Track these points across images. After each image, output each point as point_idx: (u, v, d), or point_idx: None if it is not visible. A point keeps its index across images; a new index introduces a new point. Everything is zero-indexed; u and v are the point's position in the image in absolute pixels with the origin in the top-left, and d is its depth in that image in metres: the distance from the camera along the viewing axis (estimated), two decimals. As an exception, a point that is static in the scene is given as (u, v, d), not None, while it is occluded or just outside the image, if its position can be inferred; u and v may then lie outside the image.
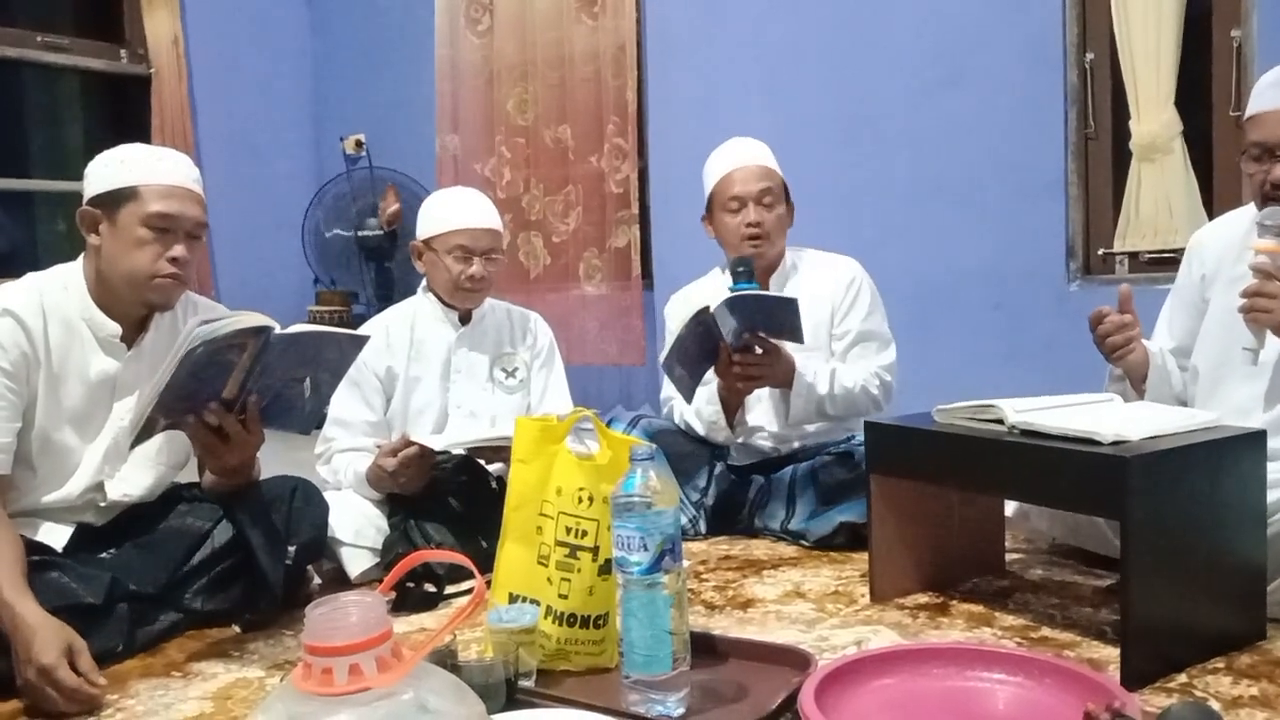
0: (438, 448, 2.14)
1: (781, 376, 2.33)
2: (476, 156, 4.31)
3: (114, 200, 1.75)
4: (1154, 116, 2.99)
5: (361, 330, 2.36)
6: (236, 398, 1.68)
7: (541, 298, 4.11)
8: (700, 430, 2.47)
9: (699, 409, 2.45)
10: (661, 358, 2.22)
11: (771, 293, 2.36)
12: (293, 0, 4.96)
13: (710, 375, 2.35)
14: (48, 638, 1.51)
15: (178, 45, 4.42)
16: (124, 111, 4.48)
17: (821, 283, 2.46)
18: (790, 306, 2.19)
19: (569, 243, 4.17)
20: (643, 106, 3.99)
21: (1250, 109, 1.82)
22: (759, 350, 2.29)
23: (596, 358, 4.09)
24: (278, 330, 1.63)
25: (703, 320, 2.18)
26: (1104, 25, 3.08)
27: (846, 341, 2.44)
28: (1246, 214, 1.91)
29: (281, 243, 4.74)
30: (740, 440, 2.47)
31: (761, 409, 2.46)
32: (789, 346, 2.30)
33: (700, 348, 2.25)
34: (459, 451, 2.21)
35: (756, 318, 2.23)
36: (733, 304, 2.17)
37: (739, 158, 2.45)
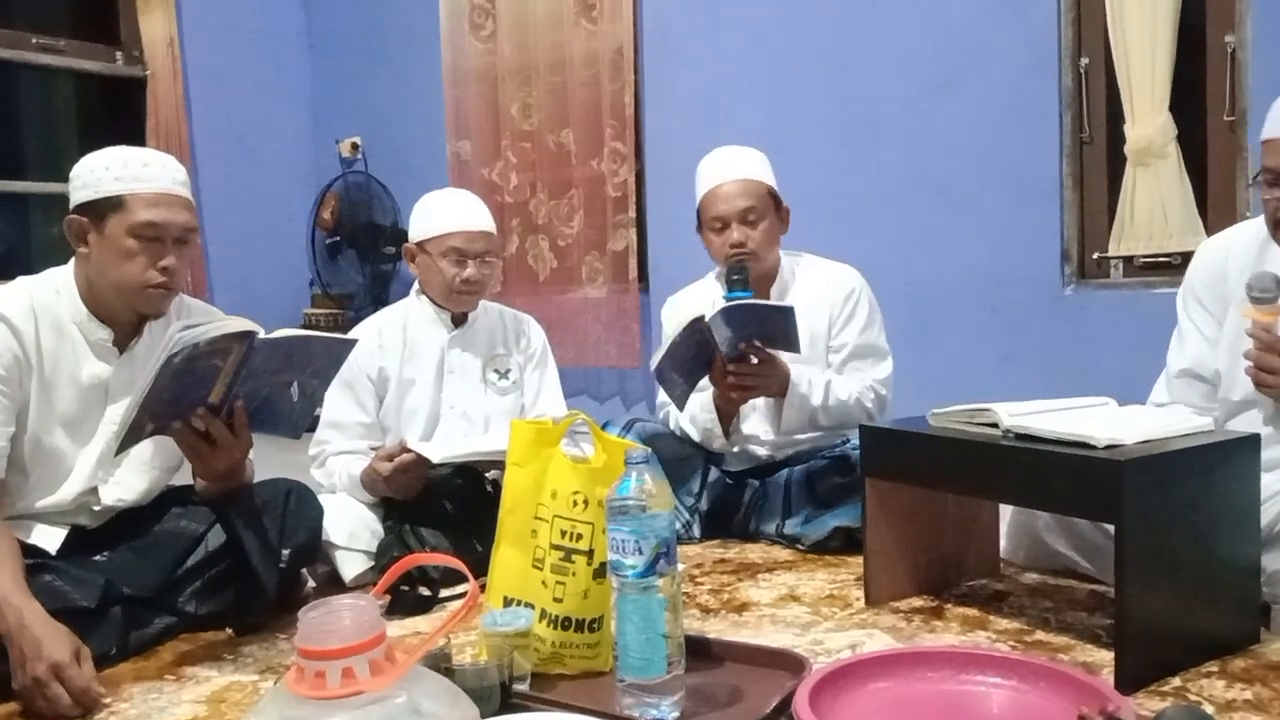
0: (435, 459, 2.11)
1: (776, 387, 2.30)
2: (484, 161, 4.31)
3: (100, 209, 1.72)
4: (1149, 121, 3.00)
5: (353, 332, 2.36)
6: (222, 402, 1.67)
7: (549, 300, 4.12)
8: (696, 437, 2.45)
9: (694, 415, 2.42)
10: (654, 362, 2.19)
11: (766, 301, 2.34)
12: (289, 2, 4.96)
13: (705, 382, 2.32)
14: (60, 637, 1.51)
15: (173, 47, 4.42)
16: (119, 113, 4.47)
17: (820, 293, 2.43)
18: (786, 315, 2.16)
19: (573, 246, 4.18)
20: (640, 110, 4.00)
21: (1265, 132, 1.76)
22: (754, 360, 2.26)
23: (598, 360, 4.09)
24: (262, 335, 1.62)
25: (697, 329, 2.15)
26: (1099, 30, 3.09)
27: (843, 355, 2.41)
28: (1253, 224, 1.89)
29: (278, 245, 4.73)
30: (735, 449, 2.46)
31: (756, 418, 2.44)
32: (785, 356, 2.29)
33: (695, 356, 2.23)
34: (455, 461, 2.20)
35: (751, 326, 2.21)
36: (728, 314, 2.14)
37: (721, 173, 2.40)
